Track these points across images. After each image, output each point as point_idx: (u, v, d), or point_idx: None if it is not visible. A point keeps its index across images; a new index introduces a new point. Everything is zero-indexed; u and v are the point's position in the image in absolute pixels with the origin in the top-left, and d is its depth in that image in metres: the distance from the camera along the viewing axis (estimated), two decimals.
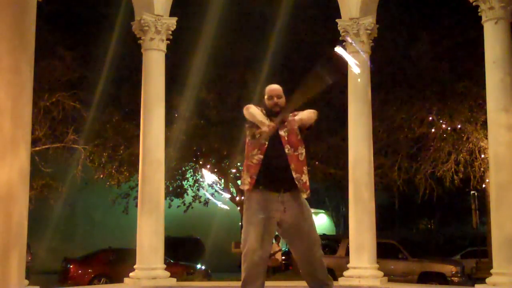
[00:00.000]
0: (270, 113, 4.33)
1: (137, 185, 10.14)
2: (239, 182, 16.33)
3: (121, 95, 13.39)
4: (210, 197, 12.40)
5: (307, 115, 4.39)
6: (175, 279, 8.09)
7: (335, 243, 15.27)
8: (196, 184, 16.15)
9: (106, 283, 13.82)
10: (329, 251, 15.06)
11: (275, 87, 4.46)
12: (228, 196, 15.47)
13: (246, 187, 4.22)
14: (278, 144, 4.20)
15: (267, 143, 4.17)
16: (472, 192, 20.10)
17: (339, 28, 8.31)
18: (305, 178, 4.21)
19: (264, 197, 4.14)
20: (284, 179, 4.15)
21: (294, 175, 4.14)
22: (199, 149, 14.23)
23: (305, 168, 4.25)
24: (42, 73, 11.07)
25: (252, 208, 4.18)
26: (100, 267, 14.88)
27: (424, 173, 13.95)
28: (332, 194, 29.25)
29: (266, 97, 4.44)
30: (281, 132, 4.24)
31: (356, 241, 7.88)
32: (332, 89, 13.22)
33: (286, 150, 4.18)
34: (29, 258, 13.24)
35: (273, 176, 4.14)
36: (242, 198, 15.74)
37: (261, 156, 4.16)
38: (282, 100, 4.36)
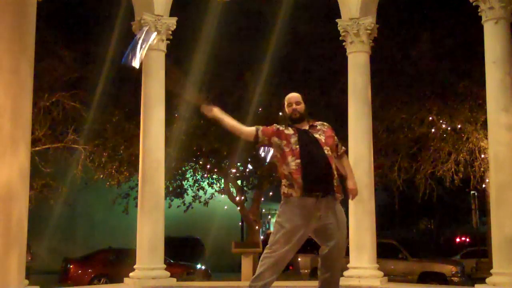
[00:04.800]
0: (290, 120, 4.41)
1: (137, 185, 10.14)
2: (239, 182, 16.38)
3: (121, 95, 13.39)
4: None
5: (347, 162, 4.51)
6: (175, 279, 8.09)
7: None
8: (196, 184, 16.16)
9: (106, 283, 13.82)
10: None
11: (293, 95, 4.50)
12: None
13: (297, 194, 4.17)
14: (316, 147, 4.26)
15: (298, 147, 4.22)
16: (472, 192, 20.10)
17: (339, 28, 8.31)
18: (336, 182, 4.27)
19: (303, 203, 4.15)
20: (325, 180, 4.19)
21: (334, 177, 4.23)
22: (199, 149, 14.23)
23: (336, 174, 4.31)
24: (42, 73, 11.06)
25: (289, 212, 4.19)
26: (100, 267, 14.88)
27: (424, 173, 13.94)
28: None
29: (285, 105, 4.47)
30: (316, 135, 4.31)
31: (356, 241, 7.88)
32: (332, 89, 13.26)
33: (326, 152, 4.25)
34: (29, 258, 13.25)
35: (316, 176, 4.17)
36: (242, 198, 15.89)
37: (299, 160, 4.19)
38: (301, 106, 4.41)
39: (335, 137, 4.47)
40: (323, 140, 4.29)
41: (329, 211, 4.19)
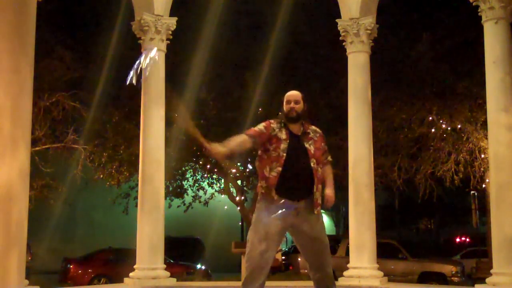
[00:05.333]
0: (287, 118, 4.30)
1: (137, 185, 10.15)
2: (239, 182, 16.38)
3: (121, 95, 13.39)
4: None
5: (329, 171, 4.40)
6: (175, 279, 8.09)
7: (335, 243, 15.27)
8: (196, 184, 16.16)
9: (106, 283, 13.82)
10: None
11: (293, 93, 4.38)
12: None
13: (275, 197, 4.11)
14: (303, 156, 4.20)
15: (285, 155, 4.15)
16: (472, 192, 20.08)
17: (339, 28, 8.31)
18: (318, 195, 4.19)
19: (280, 202, 4.12)
20: (303, 189, 4.14)
21: (314, 189, 4.15)
22: (199, 149, 14.23)
23: (320, 186, 4.22)
24: (42, 73, 11.05)
25: (264, 209, 4.15)
26: (100, 267, 14.88)
27: (424, 173, 13.94)
28: None
29: (284, 101, 4.35)
30: (306, 145, 4.24)
31: (356, 241, 7.89)
32: (332, 89, 13.26)
33: (312, 164, 4.18)
34: (29, 258, 13.25)
35: (293, 186, 4.13)
36: (242, 198, 15.89)
37: (280, 169, 4.13)
38: (299, 106, 4.29)
39: (325, 147, 4.39)
40: (312, 152, 4.22)
41: (307, 209, 4.15)
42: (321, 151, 4.30)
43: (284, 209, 4.11)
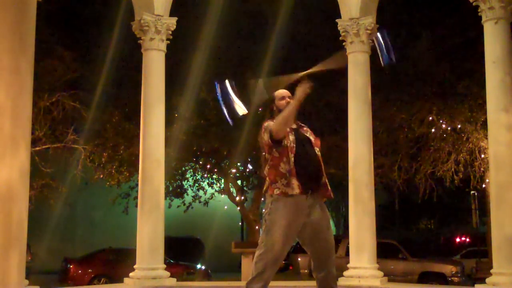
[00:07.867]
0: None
1: (137, 185, 10.14)
2: (239, 182, 16.38)
3: (121, 95, 13.39)
4: None
5: None
6: (175, 279, 8.09)
7: (335, 243, 15.29)
8: (196, 184, 16.17)
9: (106, 283, 13.82)
10: None
11: (284, 90, 4.55)
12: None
13: (296, 191, 4.12)
14: (309, 146, 4.31)
15: (294, 145, 4.22)
16: (472, 192, 20.11)
17: (339, 28, 8.31)
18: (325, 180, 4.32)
19: (295, 200, 4.15)
20: (315, 179, 4.23)
21: (322, 177, 4.27)
22: (199, 149, 14.24)
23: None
24: (42, 73, 11.06)
25: (282, 210, 4.16)
26: (100, 267, 14.88)
27: (424, 173, 13.95)
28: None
29: (277, 99, 4.48)
30: (307, 135, 4.37)
31: (356, 241, 7.88)
32: (332, 89, 13.26)
33: (317, 151, 4.31)
34: (29, 258, 13.26)
35: (307, 176, 4.19)
36: (242, 198, 15.89)
37: (293, 159, 4.19)
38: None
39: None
40: (313, 141, 4.36)
41: (317, 207, 4.22)
42: (318, 141, 4.41)
43: (298, 210, 4.15)
